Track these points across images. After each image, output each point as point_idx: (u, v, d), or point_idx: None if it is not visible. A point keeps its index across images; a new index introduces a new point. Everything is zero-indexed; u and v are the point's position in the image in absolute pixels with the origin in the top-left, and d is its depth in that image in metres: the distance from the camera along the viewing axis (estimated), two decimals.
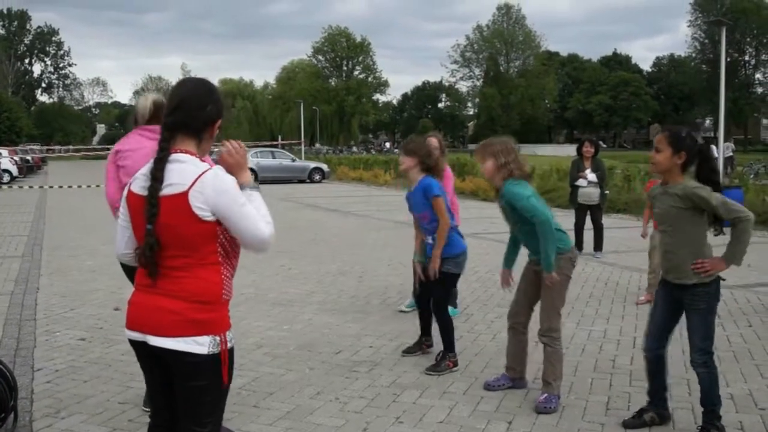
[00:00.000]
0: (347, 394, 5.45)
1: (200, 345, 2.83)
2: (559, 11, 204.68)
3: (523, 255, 5.62)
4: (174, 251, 2.86)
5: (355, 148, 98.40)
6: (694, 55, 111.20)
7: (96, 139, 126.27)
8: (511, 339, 5.65)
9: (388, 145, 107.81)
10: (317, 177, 36.82)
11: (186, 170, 2.84)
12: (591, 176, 11.70)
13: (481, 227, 16.14)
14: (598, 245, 12.17)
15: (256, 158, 35.99)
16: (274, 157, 37.50)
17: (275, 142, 59.02)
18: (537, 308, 5.47)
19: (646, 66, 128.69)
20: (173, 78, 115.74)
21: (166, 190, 2.82)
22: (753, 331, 7.38)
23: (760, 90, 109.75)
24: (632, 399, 5.36)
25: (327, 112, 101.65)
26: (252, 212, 2.86)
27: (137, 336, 2.94)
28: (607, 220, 12.56)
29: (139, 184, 2.93)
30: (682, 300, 4.61)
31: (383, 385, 5.66)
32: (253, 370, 5.98)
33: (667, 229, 4.62)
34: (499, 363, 6.16)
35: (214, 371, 2.89)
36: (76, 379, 5.82)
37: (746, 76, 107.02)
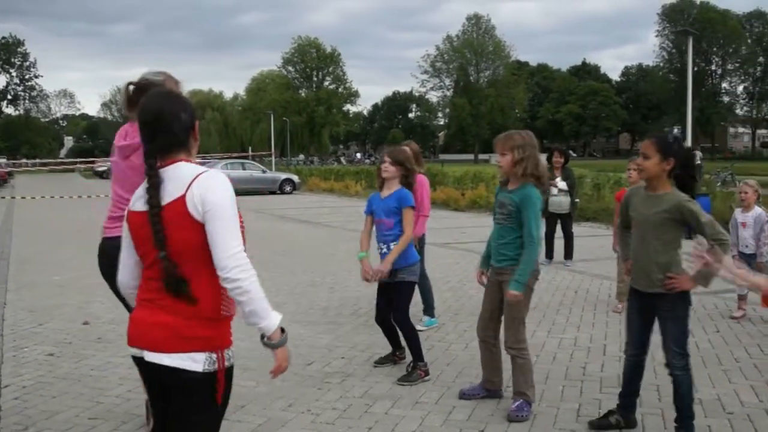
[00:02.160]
0: (319, 406, 5.43)
1: (195, 362, 2.75)
2: (528, 21, 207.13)
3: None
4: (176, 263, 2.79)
5: (345, 158, 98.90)
6: (662, 64, 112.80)
7: (63, 151, 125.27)
8: (483, 352, 5.66)
9: (358, 155, 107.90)
10: (288, 188, 36.76)
11: (181, 176, 2.78)
12: (561, 185, 11.78)
13: (452, 237, 16.19)
14: (568, 254, 12.24)
15: (226, 170, 35.85)
16: (244, 169, 37.42)
17: (245, 154, 58.94)
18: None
19: (614, 76, 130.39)
20: None
21: (164, 201, 2.76)
22: (721, 336, 7.46)
23: (726, 99, 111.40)
24: (603, 406, 5.39)
25: (297, 123, 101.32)
26: (235, 228, 2.77)
27: (136, 352, 2.86)
28: (577, 229, 12.65)
29: (139, 203, 2.85)
30: (656, 307, 4.66)
31: (355, 396, 5.66)
32: None
33: (646, 235, 4.65)
34: (471, 372, 6.21)
35: (209, 390, 2.80)
36: (44, 395, 5.76)
37: (713, 86, 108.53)
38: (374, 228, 6.30)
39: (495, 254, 5.43)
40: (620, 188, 9.60)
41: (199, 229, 2.74)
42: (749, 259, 8.21)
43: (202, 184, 2.74)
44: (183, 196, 2.73)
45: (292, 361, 6.43)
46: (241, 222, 2.87)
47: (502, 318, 5.44)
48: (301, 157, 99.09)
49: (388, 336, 6.49)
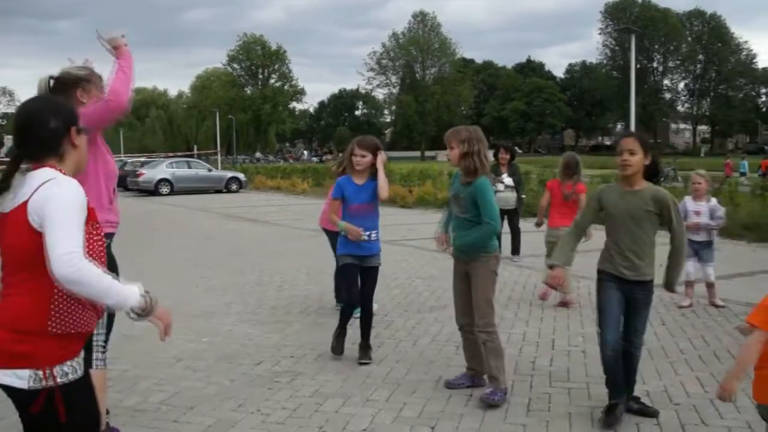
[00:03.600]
0: (269, 406, 5.38)
1: (20, 379, 2.63)
2: (474, 19, 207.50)
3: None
4: (8, 270, 2.71)
5: (259, 153, 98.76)
6: (605, 62, 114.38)
7: (4, 150, 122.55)
8: (464, 341, 5.80)
9: (306, 153, 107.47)
10: (234, 187, 36.41)
11: (31, 183, 2.70)
12: (508, 181, 11.85)
13: (400, 234, 16.20)
14: (515, 249, 12.33)
15: (171, 168, 35.48)
16: (190, 167, 36.98)
17: (191, 152, 58.32)
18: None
19: (559, 73, 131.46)
20: None
21: (7, 205, 2.71)
22: (666, 329, 7.57)
23: (668, 96, 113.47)
24: (552, 400, 5.44)
25: (243, 120, 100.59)
26: (69, 229, 2.62)
27: None
28: (524, 224, 12.73)
29: None
30: (633, 295, 4.91)
31: (305, 395, 5.62)
32: (173, 384, 5.86)
33: (632, 228, 4.86)
34: (421, 369, 6.23)
35: (46, 407, 2.66)
36: None
37: (655, 83, 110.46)
38: (350, 212, 6.41)
39: (458, 245, 5.59)
40: (553, 178, 9.70)
41: (34, 238, 2.65)
42: (698, 245, 8.39)
43: (46, 191, 2.66)
44: (25, 203, 2.67)
45: (241, 360, 6.41)
46: (98, 230, 2.80)
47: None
48: (258, 154, 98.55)
49: (346, 319, 6.62)
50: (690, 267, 8.53)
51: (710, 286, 8.55)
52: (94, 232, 2.80)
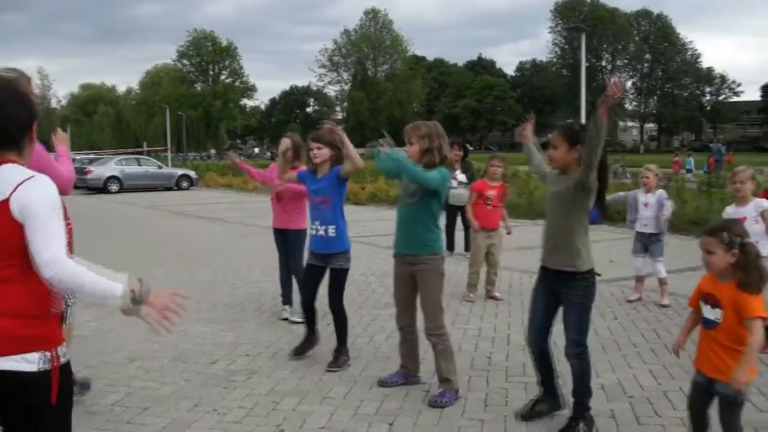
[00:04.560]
0: (225, 405, 5.33)
1: (29, 362, 2.65)
2: (426, 16, 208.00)
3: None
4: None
5: (213, 150, 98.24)
6: (555, 60, 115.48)
7: None
8: (402, 341, 5.77)
9: (256, 150, 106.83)
10: (185, 184, 36.03)
11: (8, 180, 2.66)
12: (461, 177, 11.89)
13: (353, 231, 16.01)
14: (468, 245, 12.37)
15: (120, 165, 35.01)
16: (139, 164, 36.49)
17: (140, 149, 57.63)
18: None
19: (510, 71, 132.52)
20: None
21: None
22: (619, 323, 7.67)
23: None
24: (509, 395, 5.48)
25: (193, 117, 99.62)
26: (52, 231, 2.63)
27: None
28: None
29: None
30: (560, 293, 4.74)
31: (262, 394, 5.58)
32: (126, 385, 5.78)
33: (555, 212, 4.75)
34: (377, 366, 6.22)
35: (44, 389, 2.69)
36: None
37: (603, 81, 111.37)
38: (310, 206, 6.36)
39: (404, 240, 5.50)
40: (479, 178, 9.85)
41: (19, 229, 2.64)
42: (647, 240, 8.51)
43: (27, 189, 2.65)
44: (6, 201, 2.64)
45: (196, 360, 6.34)
46: (69, 225, 2.78)
47: (418, 306, 5.56)
48: (213, 151, 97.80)
49: (308, 321, 6.53)
50: (638, 262, 8.66)
51: (661, 282, 8.61)
52: (65, 224, 2.79)
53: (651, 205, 8.53)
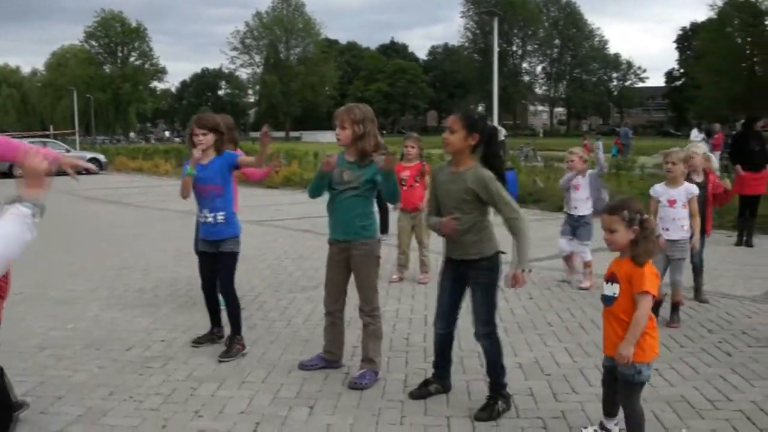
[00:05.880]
0: (142, 392, 5.23)
1: None
2: (339, 0, 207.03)
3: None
4: None
5: (133, 134, 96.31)
6: (466, 44, 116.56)
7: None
8: (328, 326, 5.72)
9: (167, 134, 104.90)
10: (94, 168, 35.12)
11: None
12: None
13: (268, 215, 16.08)
14: (384, 227, 12.41)
15: None
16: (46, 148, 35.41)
17: (47, 132, 55.92)
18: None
19: (422, 55, 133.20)
20: None
21: None
22: (534, 303, 7.82)
23: (526, 78, 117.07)
24: (428, 375, 5.50)
25: (102, 100, 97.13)
26: None
27: None
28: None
29: None
30: (467, 275, 4.80)
31: (179, 380, 5.49)
32: (38, 374, 5.61)
33: (454, 211, 4.71)
34: (296, 349, 6.21)
35: None
36: None
37: (514, 66, 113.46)
38: (195, 194, 6.14)
39: (342, 228, 5.46)
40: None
41: None
42: (576, 222, 8.62)
43: None
44: None
45: (110, 346, 6.20)
46: None
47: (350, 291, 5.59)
48: (132, 135, 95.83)
49: (210, 310, 6.42)
50: (563, 242, 8.75)
51: (586, 265, 8.67)
52: None
53: (582, 186, 8.63)
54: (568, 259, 8.85)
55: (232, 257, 6.11)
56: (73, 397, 5.13)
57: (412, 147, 9.18)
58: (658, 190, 7.09)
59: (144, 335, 6.69)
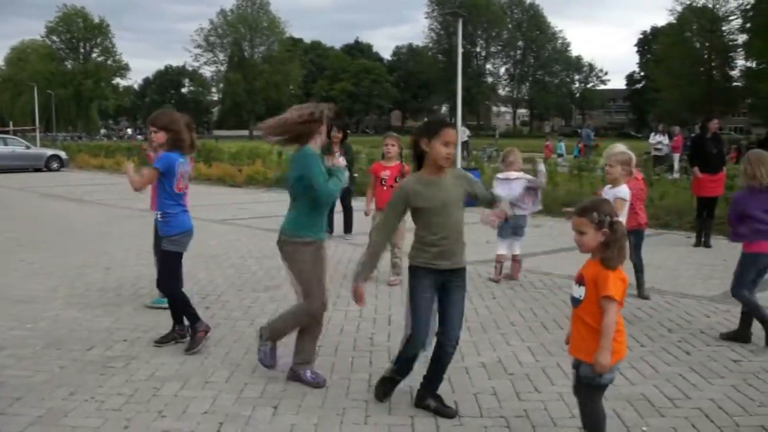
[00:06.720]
0: (103, 392, 5.18)
1: None
2: None
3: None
4: None
5: (104, 130, 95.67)
6: (431, 45, 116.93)
7: None
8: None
9: (130, 131, 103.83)
10: (55, 165, 34.61)
11: None
12: (341, 160, 11.87)
13: (230, 213, 16.01)
14: (348, 227, 12.44)
15: None
16: (6, 145, 34.77)
17: (6, 128, 55.07)
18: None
19: (387, 55, 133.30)
20: None
21: None
22: (497, 302, 7.87)
23: (490, 80, 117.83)
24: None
25: (63, 96, 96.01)
26: None
27: None
28: (355, 203, 12.82)
29: None
30: (449, 283, 4.68)
31: (141, 380, 5.45)
32: None
33: (452, 216, 4.64)
34: None
35: None
36: None
37: (478, 67, 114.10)
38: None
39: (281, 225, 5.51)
40: (376, 162, 9.77)
41: None
42: (522, 222, 8.74)
43: None
44: None
45: (71, 346, 6.13)
46: None
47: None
48: (103, 131, 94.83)
49: (172, 309, 6.43)
50: (503, 248, 8.89)
51: (516, 260, 8.97)
52: None
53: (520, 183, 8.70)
54: (514, 259, 9.02)
55: (167, 255, 6.19)
56: (33, 398, 5.06)
57: (392, 145, 9.08)
58: (606, 191, 7.27)
59: (106, 335, 6.63)
